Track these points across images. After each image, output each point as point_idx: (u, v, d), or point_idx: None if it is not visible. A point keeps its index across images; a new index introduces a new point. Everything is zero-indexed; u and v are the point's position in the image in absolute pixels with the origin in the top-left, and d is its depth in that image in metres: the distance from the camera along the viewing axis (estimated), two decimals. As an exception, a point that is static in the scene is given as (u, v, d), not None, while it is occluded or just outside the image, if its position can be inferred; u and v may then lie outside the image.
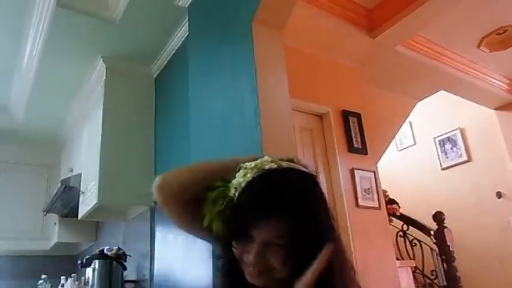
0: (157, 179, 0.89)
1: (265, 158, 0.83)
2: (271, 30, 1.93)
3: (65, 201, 3.49)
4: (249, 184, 0.79)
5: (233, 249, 0.76)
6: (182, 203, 0.87)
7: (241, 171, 0.82)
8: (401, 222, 3.85)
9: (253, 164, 0.82)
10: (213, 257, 0.94)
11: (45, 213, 3.91)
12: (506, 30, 3.35)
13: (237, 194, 0.79)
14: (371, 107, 3.22)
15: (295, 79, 2.19)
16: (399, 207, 3.89)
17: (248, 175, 0.80)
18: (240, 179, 0.80)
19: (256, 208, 0.74)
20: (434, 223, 3.47)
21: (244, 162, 0.84)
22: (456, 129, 4.65)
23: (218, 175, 0.85)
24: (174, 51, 2.93)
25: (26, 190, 4.13)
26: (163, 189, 0.88)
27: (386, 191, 3.60)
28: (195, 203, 0.84)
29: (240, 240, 0.75)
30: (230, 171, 0.84)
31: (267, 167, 0.80)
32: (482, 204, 4.30)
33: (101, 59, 3.01)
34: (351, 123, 2.91)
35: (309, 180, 0.80)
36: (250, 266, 0.74)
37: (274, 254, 0.73)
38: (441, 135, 4.80)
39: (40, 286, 3.74)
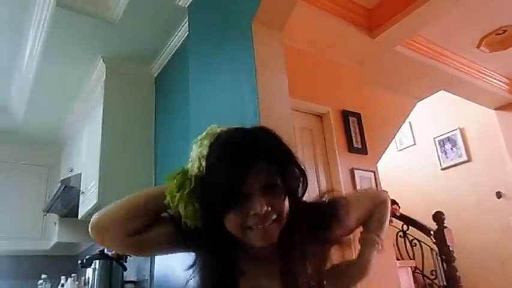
0: (93, 219, 0.82)
1: (212, 125, 0.81)
2: (271, 30, 1.93)
3: (65, 201, 3.48)
4: (219, 144, 0.76)
5: (230, 222, 0.73)
6: (131, 234, 0.79)
7: (194, 145, 0.79)
8: (401, 222, 3.85)
9: (203, 134, 0.80)
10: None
11: (45, 213, 3.91)
12: (506, 31, 3.36)
13: (204, 163, 0.75)
14: (371, 107, 3.22)
15: (295, 79, 2.19)
16: (399, 207, 3.89)
17: (205, 142, 0.77)
18: (198, 149, 0.77)
19: (242, 158, 0.71)
20: (434, 223, 3.47)
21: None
22: (456, 129, 4.65)
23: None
24: (174, 51, 2.93)
25: (26, 190, 4.13)
26: (103, 227, 0.81)
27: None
28: (145, 230, 0.80)
29: (236, 206, 0.72)
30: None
31: (218, 130, 0.79)
32: (482, 204, 4.30)
33: (101, 59, 3.01)
34: (351, 123, 2.91)
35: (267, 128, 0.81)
36: (260, 221, 0.72)
37: (276, 195, 0.73)
38: (441, 135, 4.80)
39: (40, 286, 3.74)
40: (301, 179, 0.79)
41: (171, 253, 0.86)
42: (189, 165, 0.78)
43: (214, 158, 0.74)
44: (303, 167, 0.79)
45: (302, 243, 0.78)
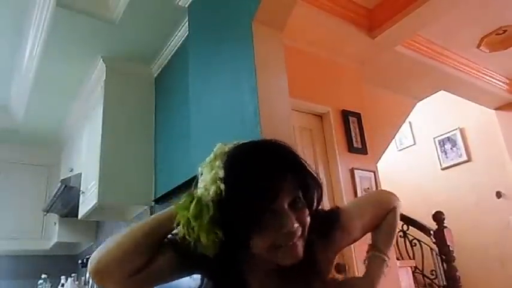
0: (92, 261, 0.72)
1: (218, 145, 0.77)
2: (271, 30, 1.93)
3: (65, 201, 3.49)
4: (241, 162, 0.71)
5: (260, 242, 0.69)
6: (132, 274, 0.73)
7: (203, 169, 0.74)
8: (401, 222, 3.85)
9: (211, 156, 0.75)
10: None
11: (45, 213, 3.91)
12: (506, 30, 3.35)
13: (222, 185, 0.70)
14: (371, 107, 3.22)
15: (295, 79, 2.19)
16: (399, 207, 3.88)
17: (217, 163, 0.72)
18: (212, 172, 0.72)
19: (272, 174, 0.68)
20: (434, 223, 3.47)
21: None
22: (456, 129, 4.65)
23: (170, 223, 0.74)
24: (174, 51, 2.93)
25: (26, 190, 4.13)
26: (102, 270, 0.72)
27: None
28: (146, 266, 0.74)
29: (268, 225, 0.68)
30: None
31: (227, 149, 0.75)
32: (482, 204, 4.29)
33: (101, 59, 3.01)
34: (351, 123, 2.91)
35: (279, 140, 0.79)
36: (290, 239, 0.70)
37: (300, 209, 0.72)
38: (441, 135, 4.80)
39: (40, 286, 3.74)
40: (318, 191, 0.77)
41: (172, 281, 0.79)
42: (201, 191, 0.72)
43: (240, 176, 0.69)
44: (319, 179, 0.78)
45: (316, 254, 0.77)
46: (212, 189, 0.70)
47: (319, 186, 0.77)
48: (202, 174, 0.74)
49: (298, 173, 0.73)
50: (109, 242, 0.75)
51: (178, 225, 0.72)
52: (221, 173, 0.70)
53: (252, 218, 0.68)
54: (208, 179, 0.71)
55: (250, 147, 0.75)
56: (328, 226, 0.82)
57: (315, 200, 0.77)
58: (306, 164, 0.76)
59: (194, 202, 0.71)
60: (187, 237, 0.71)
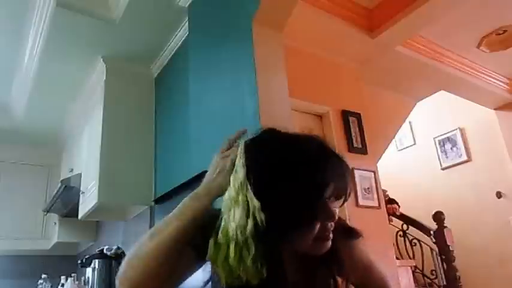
0: (124, 275, 0.69)
1: (231, 180, 0.72)
2: (271, 30, 1.93)
3: (65, 201, 3.48)
4: (284, 165, 0.69)
5: (308, 236, 0.70)
6: (165, 279, 0.71)
7: (229, 208, 0.69)
8: (401, 222, 3.85)
9: (231, 193, 0.70)
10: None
11: (45, 213, 3.91)
12: (506, 30, 3.36)
13: (262, 216, 0.66)
14: (371, 107, 3.22)
15: (295, 79, 2.19)
16: (399, 206, 3.89)
17: (240, 197, 0.68)
18: (241, 208, 0.67)
19: (318, 170, 0.70)
20: (434, 223, 3.47)
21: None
22: (456, 129, 4.65)
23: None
24: (174, 51, 2.93)
25: (26, 190, 4.13)
26: (136, 283, 0.68)
27: (386, 191, 3.60)
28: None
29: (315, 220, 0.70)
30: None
31: (242, 178, 0.70)
32: (482, 204, 4.30)
33: (101, 59, 3.01)
34: (351, 123, 2.92)
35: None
36: (329, 230, 0.72)
37: (333, 202, 0.73)
38: (441, 135, 4.80)
39: (40, 286, 3.74)
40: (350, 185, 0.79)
41: (195, 271, 0.77)
42: (234, 230, 0.66)
43: (292, 176, 0.67)
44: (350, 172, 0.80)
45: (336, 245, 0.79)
46: (249, 223, 0.65)
47: (348, 179, 0.78)
48: (230, 212, 0.68)
49: (335, 165, 0.75)
50: (140, 248, 0.70)
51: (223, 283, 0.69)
52: (256, 203, 0.66)
53: (309, 216, 0.69)
54: (239, 216, 0.66)
55: (282, 147, 0.73)
56: (347, 234, 0.84)
57: (346, 194, 0.76)
58: (342, 157, 0.78)
59: (232, 246, 0.66)
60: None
